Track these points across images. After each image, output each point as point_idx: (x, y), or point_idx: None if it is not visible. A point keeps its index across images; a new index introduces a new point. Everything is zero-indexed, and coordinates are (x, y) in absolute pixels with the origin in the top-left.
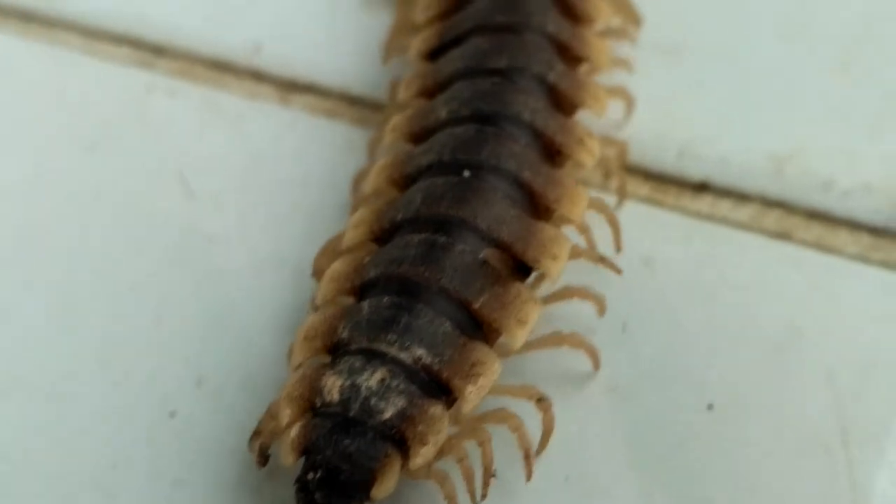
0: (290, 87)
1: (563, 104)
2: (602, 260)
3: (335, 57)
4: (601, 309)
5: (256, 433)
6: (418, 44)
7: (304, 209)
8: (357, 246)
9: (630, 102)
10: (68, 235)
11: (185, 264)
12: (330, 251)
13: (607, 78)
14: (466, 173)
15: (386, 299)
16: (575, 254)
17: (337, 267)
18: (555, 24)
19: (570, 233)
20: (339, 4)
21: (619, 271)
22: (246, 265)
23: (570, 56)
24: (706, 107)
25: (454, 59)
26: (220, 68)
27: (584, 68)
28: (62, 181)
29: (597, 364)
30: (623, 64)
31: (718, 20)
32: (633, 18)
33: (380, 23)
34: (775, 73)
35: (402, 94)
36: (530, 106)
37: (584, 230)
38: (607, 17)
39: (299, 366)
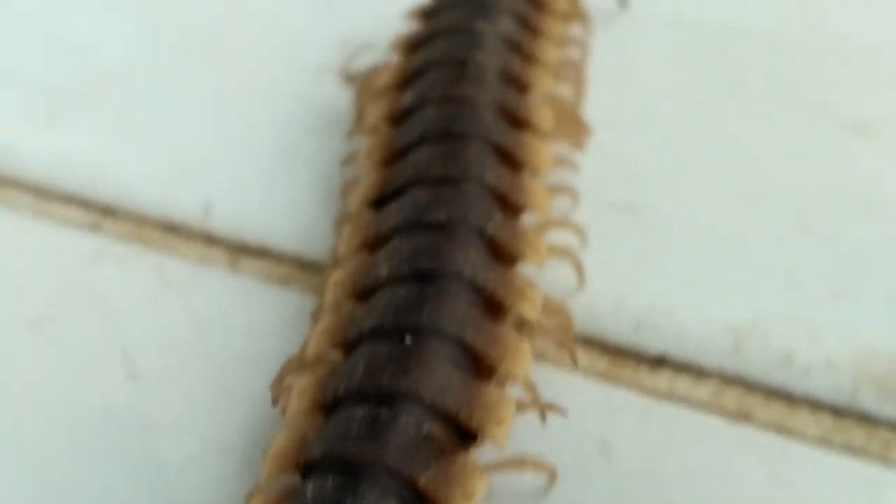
0: (241, 251)
1: (503, 255)
2: (549, 407)
3: (288, 219)
4: (553, 479)
5: None
6: (361, 193)
7: (253, 388)
8: (301, 416)
9: (578, 264)
10: None
11: (127, 457)
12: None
13: (560, 236)
14: (408, 338)
15: (330, 481)
16: (521, 408)
17: (279, 443)
18: (493, 173)
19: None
20: (294, 164)
21: (565, 414)
22: (191, 455)
23: (510, 205)
24: (664, 273)
25: (394, 212)
26: (171, 231)
27: (531, 220)
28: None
29: None
30: (568, 224)
31: (676, 180)
32: (583, 133)
33: (336, 185)
34: (734, 238)
35: (344, 246)
36: (470, 260)
37: (529, 386)
38: (548, 166)
39: None
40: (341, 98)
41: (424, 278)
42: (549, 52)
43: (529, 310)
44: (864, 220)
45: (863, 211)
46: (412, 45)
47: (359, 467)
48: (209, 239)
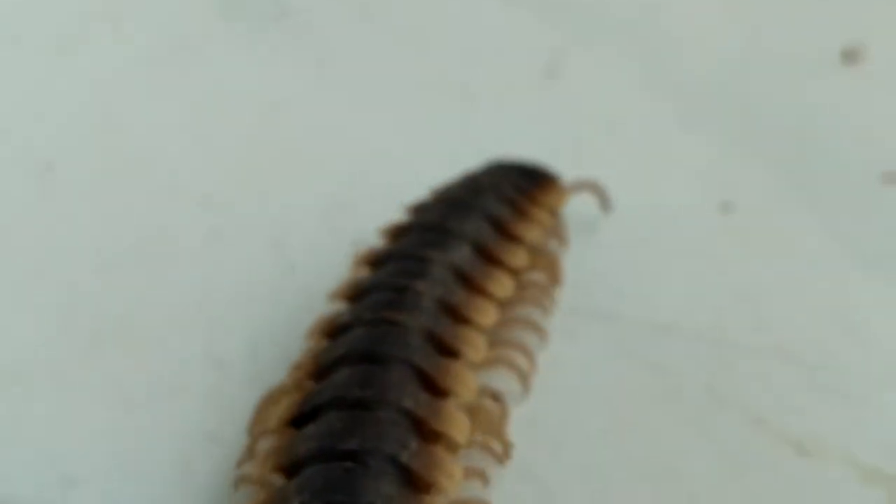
0: None
1: (418, 483)
2: None
3: None
4: None
5: None
6: (280, 410)
7: None
8: None
9: None
10: None
11: None
12: None
13: None
14: None
15: None
16: None
17: None
18: (412, 398)
19: None
20: (189, 476)
21: None
22: None
23: (428, 430)
24: None
25: (308, 438)
26: None
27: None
28: None
29: None
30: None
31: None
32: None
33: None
34: None
35: (259, 468)
36: (383, 494)
37: None
38: (472, 392)
39: None
40: (248, 400)
41: None
42: (518, 258)
43: None
44: None
45: None
46: (373, 262)
47: None
48: None
